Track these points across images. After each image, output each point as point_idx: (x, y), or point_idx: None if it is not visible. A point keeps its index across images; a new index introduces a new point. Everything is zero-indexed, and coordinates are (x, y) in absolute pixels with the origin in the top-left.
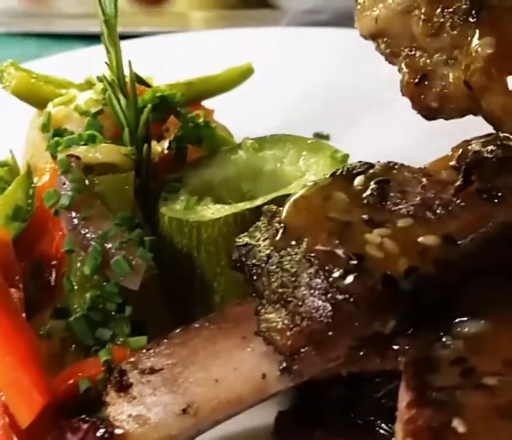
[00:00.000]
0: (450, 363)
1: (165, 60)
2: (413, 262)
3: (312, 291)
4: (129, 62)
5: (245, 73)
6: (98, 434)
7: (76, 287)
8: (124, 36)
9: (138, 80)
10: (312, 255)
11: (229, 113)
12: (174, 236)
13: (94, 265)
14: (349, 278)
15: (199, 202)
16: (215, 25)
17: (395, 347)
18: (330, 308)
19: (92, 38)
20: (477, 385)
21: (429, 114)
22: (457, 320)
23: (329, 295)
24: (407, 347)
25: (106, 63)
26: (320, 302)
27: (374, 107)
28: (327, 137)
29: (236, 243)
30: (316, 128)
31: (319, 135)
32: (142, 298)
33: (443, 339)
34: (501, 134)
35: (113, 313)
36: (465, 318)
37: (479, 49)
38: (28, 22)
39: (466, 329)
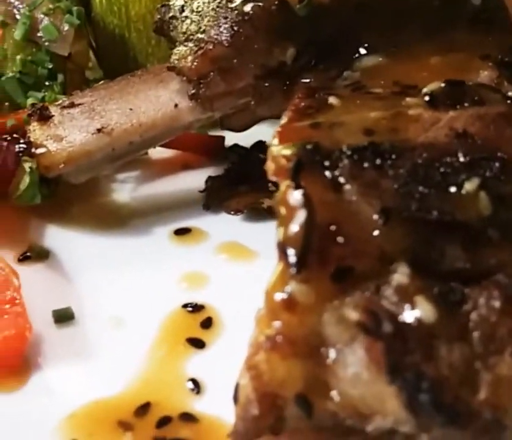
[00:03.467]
0: (344, 86)
1: None
2: None
3: (215, 20)
4: None
5: None
6: (17, 148)
7: (9, 54)
8: None
9: None
10: None
11: None
12: (105, 16)
13: (24, 30)
14: (248, 3)
15: None
16: None
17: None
18: (230, 30)
19: None
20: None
21: None
22: (356, 56)
23: (229, 19)
24: (308, 80)
25: None
26: (221, 28)
27: None
28: None
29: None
30: None
31: None
32: None
33: (344, 74)
34: None
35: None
36: (363, 54)
37: None
38: None
39: (364, 63)
